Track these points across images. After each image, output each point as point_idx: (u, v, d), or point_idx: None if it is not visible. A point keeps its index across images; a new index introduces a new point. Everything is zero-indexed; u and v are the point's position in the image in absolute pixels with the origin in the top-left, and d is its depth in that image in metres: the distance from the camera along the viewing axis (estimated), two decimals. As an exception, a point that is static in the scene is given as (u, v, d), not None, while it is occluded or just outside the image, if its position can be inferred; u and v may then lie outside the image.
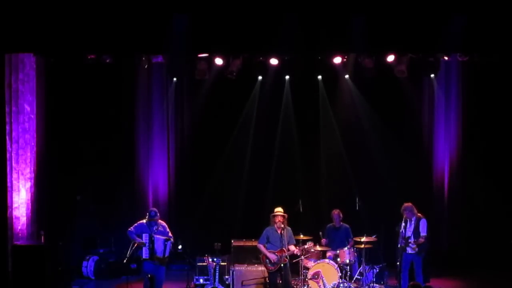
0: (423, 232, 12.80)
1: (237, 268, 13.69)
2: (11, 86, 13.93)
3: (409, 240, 12.75)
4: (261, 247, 12.93)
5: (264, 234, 12.97)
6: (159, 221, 12.41)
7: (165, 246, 12.26)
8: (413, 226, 12.82)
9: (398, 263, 13.07)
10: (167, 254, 12.34)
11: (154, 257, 12.22)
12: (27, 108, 14.12)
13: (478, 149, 16.07)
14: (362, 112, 16.34)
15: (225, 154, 16.42)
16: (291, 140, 16.48)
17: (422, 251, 12.94)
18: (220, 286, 13.28)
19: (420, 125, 16.57)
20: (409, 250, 12.81)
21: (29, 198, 14.16)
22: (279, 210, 12.93)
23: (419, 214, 12.89)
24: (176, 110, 16.60)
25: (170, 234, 12.46)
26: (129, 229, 12.33)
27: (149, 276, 12.23)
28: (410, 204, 12.85)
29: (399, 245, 12.97)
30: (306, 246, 13.02)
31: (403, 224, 12.85)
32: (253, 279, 13.57)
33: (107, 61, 14.31)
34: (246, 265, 13.78)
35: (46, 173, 14.64)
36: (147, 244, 12.17)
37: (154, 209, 12.59)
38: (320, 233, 14.09)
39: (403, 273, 12.88)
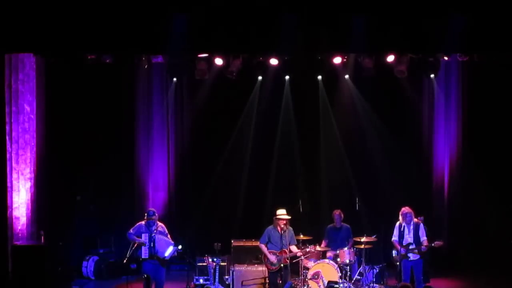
0: (423, 236, 12.75)
1: (237, 268, 13.68)
2: (11, 86, 13.93)
3: (410, 247, 12.70)
4: (262, 246, 12.91)
5: (265, 234, 12.95)
6: (158, 222, 12.39)
7: (169, 248, 12.23)
8: (412, 231, 12.75)
9: (398, 263, 13.05)
10: (167, 258, 12.30)
11: (154, 257, 12.19)
12: (27, 108, 14.12)
13: (478, 149, 16.05)
14: (362, 112, 16.34)
15: (225, 154, 16.41)
16: (291, 140, 16.48)
17: (426, 255, 12.91)
18: (220, 286, 13.28)
19: (420, 125, 16.57)
20: (411, 257, 12.72)
21: (29, 198, 14.16)
22: (282, 212, 12.89)
23: (415, 219, 12.86)
24: (176, 110, 16.61)
25: (169, 236, 12.42)
26: (129, 231, 12.31)
27: (145, 276, 12.22)
28: (410, 209, 12.77)
29: (395, 253, 12.93)
30: (308, 250, 12.98)
31: (398, 231, 12.81)
32: (253, 279, 13.56)
33: (107, 61, 14.31)
34: (246, 265, 13.77)
35: (46, 173, 14.63)
36: (146, 244, 12.16)
37: (152, 209, 12.60)
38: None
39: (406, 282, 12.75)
